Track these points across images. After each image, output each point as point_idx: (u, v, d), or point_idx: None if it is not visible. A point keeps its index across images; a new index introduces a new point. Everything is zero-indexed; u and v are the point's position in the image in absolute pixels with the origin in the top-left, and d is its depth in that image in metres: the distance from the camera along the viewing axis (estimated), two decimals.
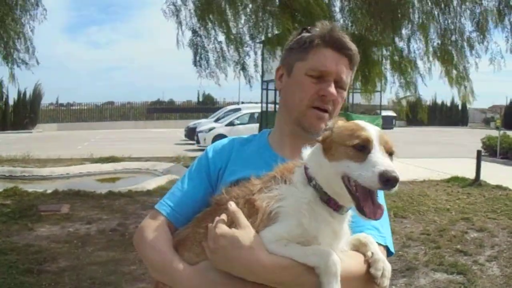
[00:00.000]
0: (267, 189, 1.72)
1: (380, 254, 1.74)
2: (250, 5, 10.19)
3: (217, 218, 1.70)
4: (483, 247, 8.53)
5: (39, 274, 6.93)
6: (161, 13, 10.66)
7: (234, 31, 10.70)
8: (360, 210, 1.54)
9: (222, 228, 1.66)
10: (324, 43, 2.03)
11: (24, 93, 50.45)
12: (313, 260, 1.58)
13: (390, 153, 1.59)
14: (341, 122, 1.69)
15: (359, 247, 1.77)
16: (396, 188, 1.47)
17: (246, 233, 1.64)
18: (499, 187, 14.24)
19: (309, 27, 2.12)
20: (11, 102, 49.00)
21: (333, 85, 2.02)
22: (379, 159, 1.51)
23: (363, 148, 1.55)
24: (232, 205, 1.70)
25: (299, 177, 1.71)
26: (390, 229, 2.06)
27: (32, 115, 51.51)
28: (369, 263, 1.72)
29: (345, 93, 2.09)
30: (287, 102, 2.14)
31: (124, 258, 7.59)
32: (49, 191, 12.76)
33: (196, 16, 10.57)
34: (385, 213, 1.97)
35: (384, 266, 1.71)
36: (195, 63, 10.93)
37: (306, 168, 1.71)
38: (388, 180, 1.44)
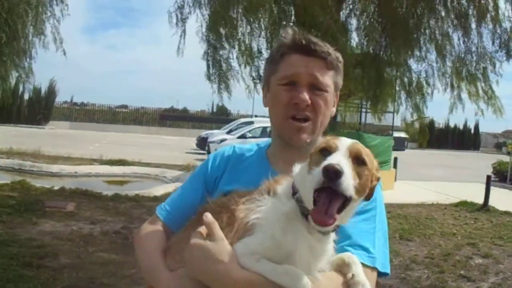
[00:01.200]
0: (250, 201, 1.69)
1: (362, 276, 1.67)
2: (266, 19, 10.20)
3: (198, 228, 1.69)
4: (487, 274, 8.42)
5: (38, 268, 6.92)
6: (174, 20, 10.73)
7: (247, 44, 10.71)
8: (312, 213, 1.51)
9: (197, 239, 1.65)
10: (291, 50, 1.97)
11: (40, 89, 50.88)
12: (283, 279, 1.53)
13: (358, 160, 1.55)
14: (327, 137, 1.68)
15: (342, 267, 1.71)
16: (343, 184, 1.42)
17: (219, 245, 1.61)
18: (507, 213, 14.13)
19: (283, 32, 2.07)
20: (26, 97, 49.39)
21: (304, 91, 1.93)
22: (334, 157, 1.49)
23: (326, 153, 1.54)
24: (208, 217, 1.67)
25: (285, 190, 1.67)
26: (388, 250, 1.96)
27: (46, 112, 51.95)
28: (348, 286, 1.67)
29: (327, 95, 1.98)
30: (270, 117, 2.09)
31: (125, 261, 7.55)
32: (56, 188, 12.84)
33: (208, 28, 10.60)
34: (382, 232, 1.93)
35: None
36: (208, 77, 10.94)
37: (293, 183, 1.67)
38: (327, 170, 1.41)
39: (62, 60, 12.34)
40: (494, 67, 10.34)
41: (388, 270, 1.89)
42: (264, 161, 2.12)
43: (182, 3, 10.68)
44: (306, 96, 1.92)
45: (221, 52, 10.78)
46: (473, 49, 10.32)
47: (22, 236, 8.41)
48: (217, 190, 2.08)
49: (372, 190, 1.65)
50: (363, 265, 1.74)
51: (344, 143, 1.56)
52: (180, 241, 1.84)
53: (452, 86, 10.68)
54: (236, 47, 10.61)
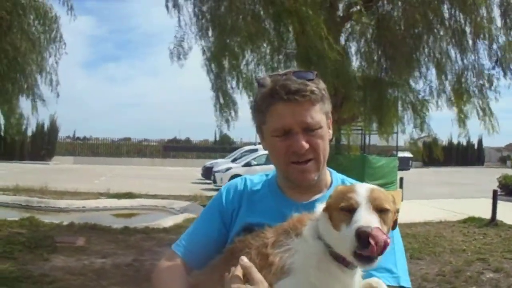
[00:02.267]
0: (279, 244, 1.70)
1: None
2: (268, 48, 10.35)
3: (232, 270, 1.68)
4: None
5: None
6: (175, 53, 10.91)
7: (248, 73, 10.85)
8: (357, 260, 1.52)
9: (237, 284, 1.63)
10: (274, 99, 1.95)
11: (42, 125, 51.22)
12: None
13: (381, 210, 1.56)
14: (340, 187, 1.70)
15: None
16: (377, 247, 1.43)
17: None
18: None
19: (260, 80, 2.05)
20: (29, 133, 49.67)
21: (300, 137, 1.93)
22: (358, 216, 1.50)
23: (349, 210, 1.54)
24: (244, 260, 1.67)
25: (310, 231, 1.69)
26: (406, 265, 2.02)
27: (49, 147, 52.19)
28: None
29: (321, 130, 1.99)
30: (273, 162, 2.11)
31: None
32: (65, 223, 12.86)
33: (212, 59, 10.76)
34: (400, 250, 2.00)
35: None
36: (217, 108, 11.06)
37: (317, 225, 1.69)
38: (359, 235, 1.44)
39: (62, 95, 12.54)
40: (491, 84, 10.45)
41: (410, 285, 1.95)
42: (277, 190, 2.14)
43: (182, 37, 10.85)
44: (302, 143, 1.93)
45: (226, 82, 10.92)
46: (470, 67, 10.44)
47: (34, 272, 8.45)
48: (237, 223, 2.09)
49: (395, 223, 1.69)
50: (389, 286, 1.78)
51: (363, 195, 1.57)
52: (210, 281, 1.83)
53: (451, 104, 10.79)
54: (238, 76, 10.74)
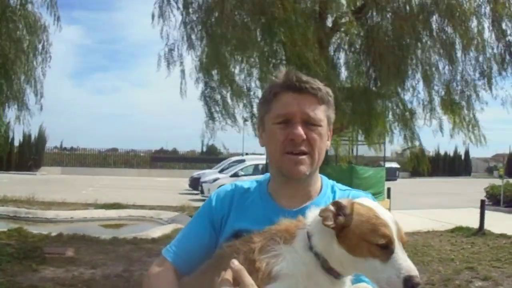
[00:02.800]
0: (267, 249, 1.69)
1: None
2: (256, 58, 10.38)
3: (222, 274, 1.67)
4: None
5: None
6: (163, 63, 10.93)
7: (238, 83, 10.87)
8: None
9: (228, 287, 1.63)
10: (283, 89, 2.04)
11: (29, 135, 50.97)
12: None
13: (403, 243, 1.58)
14: (358, 208, 1.64)
15: None
16: None
17: None
18: (503, 235, 14.24)
19: (276, 72, 2.15)
20: (16, 143, 49.40)
21: (299, 127, 1.99)
22: (403, 261, 1.51)
23: (387, 248, 1.53)
24: (235, 263, 1.65)
25: (301, 242, 1.68)
26: None
27: (37, 158, 51.92)
28: None
29: (321, 129, 2.04)
30: (268, 155, 2.14)
31: None
32: (53, 234, 12.80)
33: (203, 69, 10.79)
34: None
35: None
36: (210, 116, 11.06)
37: (309, 235, 1.68)
38: (412, 285, 1.46)
39: (50, 105, 12.61)
40: (478, 95, 10.55)
41: None
42: (266, 196, 2.15)
43: (173, 46, 10.88)
44: (301, 131, 1.98)
45: (216, 92, 10.94)
46: (458, 78, 10.54)
47: (23, 283, 8.40)
48: (226, 228, 2.11)
49: None
50: None
51: (394, 229, 1.57)
52: (200, 286, 1.86)
53: (440, 114, 10.89)
54: (228, 86, 10.77)
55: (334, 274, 1.63)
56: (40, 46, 12.09)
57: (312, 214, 1.72)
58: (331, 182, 2.25)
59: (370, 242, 1.53)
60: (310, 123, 2.02)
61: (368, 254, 1.54)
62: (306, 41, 9.10)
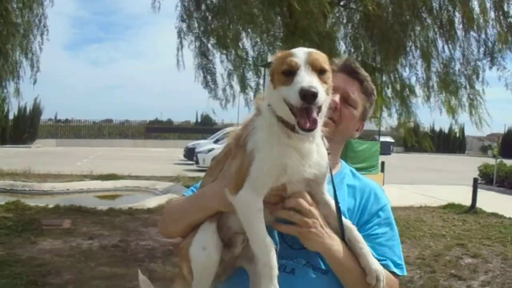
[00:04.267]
0: (250, 125, 1.84)
1: (377, 265, 1.89)
2: (257, 28, 10.40)
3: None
4: (477, 273, 8.69)
5: (43, 286, 7.10)
6: (160, 33, 10.94)
7: (238, 53, 10.89)
8: (297, 123, 1.65)
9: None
10: (339, 69, 2.22)
11: (24, 108, 50.75)
12: (259, 246, 1.73)
13: (320, 70, 1.69)
14: (278, 54, 1.79)
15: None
16: (318, 102, 1.61)
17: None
18: (494, 214, 14.40)
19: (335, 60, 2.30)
20: (11, 117, 49.22)
21: (338, 96, 2.13)
22: (301, 78, 1.61)
23: (290, 73, 1.65)
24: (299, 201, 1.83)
25: (265, 105, 1.82)
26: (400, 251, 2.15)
27: (32, 130, 51.80)
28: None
29: (355, 112, 2.22)
30: None
31: (127, 273, 7.73)
32: (50, 206, 12.92)
33: (200, 40, 10.79)
34: (393, 233, 2.16)
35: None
36: (206, 84, 11.07)
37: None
38: (304, 94, 1.56)
39: (44, 77, 12.61)
40: (478, 75, 10.57)
41: (399, 271, 2.09)
42: None
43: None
44: (337, 99, 2.13)
45: (213, 62, 10.96)
46: (458, 56, 10.57)
47: (23, 255, 8.54)
48: None
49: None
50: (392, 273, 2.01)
51: (302, 58, 1.68)
52: (215, 171, 2.02)
53: (438, 93, 10.93)
54: (227, 56, 10.80)
55: (289, 127, 1.73)
56: (36, 20, 12.07)
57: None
58: (349, 167, 2.38)
59: (279, 73, 1.69)
60: (347, 102, 2.20)
61: (279, 83, 1.69)
62: (312, 14, 9.09)
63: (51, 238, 9.84)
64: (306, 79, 1.61)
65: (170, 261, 8.52)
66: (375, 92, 2.31)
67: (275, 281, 1.71)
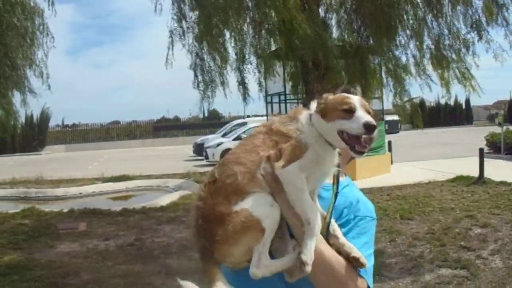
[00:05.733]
0: (286, 124, 2.10)
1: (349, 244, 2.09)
2: (249, 25, 10.50)
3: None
4: (487, 242, 8.80)
5: (63, 287, 7.34)
6: (159, 32, 10.99)
7: (234, 49, 10.96)
8: (353, 149, 1.96)
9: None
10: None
11: (31, 116, 51.10)
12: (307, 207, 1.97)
13: (368, 112, 1.99)
14: (331, 96, 2.08)
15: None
16: (375, 133, 1.94)
17: None
18: (503, 183, 14.44)
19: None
20: (19, 125, 49.50)
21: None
22: (362, 114, 1.95)
23: (350, 111, 1.97)
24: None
25: (305, 118, 2.09)
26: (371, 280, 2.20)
27: (41, 137, 52.21)
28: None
29: None
30: None
31: (144, 270, 7.96)
32: (65, 210, 13.18)
33: (195, 39, 10.88)
34: (366, 243, 2.24)
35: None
36: (196, 85, 11.16)
37: (310, 115, 2.09)
38: (369, 126, 1.89)
39: (43, 88, 12.72)
40: (468, 48, 10.63)
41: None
42: None
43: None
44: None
45: (207, 60, 11.04)
46: (446, 32, 10.63)
47: (42, 259, 8.80)
48: None
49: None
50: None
51: (358, 101, 2.00)
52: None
53: (433, 69, 10.99)
54: (223, 53, 10.87)
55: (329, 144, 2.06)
56: (40, 29, 12.24)
57: (314, 105, 2.13)
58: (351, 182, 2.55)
59: (338, 110, 2.00)
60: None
61: (337, 117, 1.99)
62: (294, 4, 9.19)
63: (68, 241, 10.08)
64: (367, 116, 1.95)
65: (185, 255, 8.72)
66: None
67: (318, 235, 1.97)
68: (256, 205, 1.96)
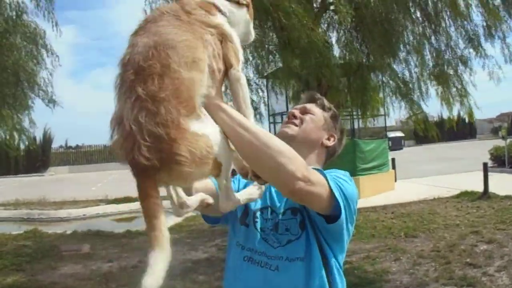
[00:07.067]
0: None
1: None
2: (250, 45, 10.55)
3: None
4: (493, 258, 8.70)
5: None
6: None
7: None
8: None
9: None
10: (304, 101, 2.63)
11: (34, 137, 51.08)
12: None
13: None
14: None
15: None
16: None
17: None
18: (508, 197, 14.34)
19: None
20: (22, 146, 49.52)
21: (297, 110, 2.52)
22: None
23: None
24: None
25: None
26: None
27: (44, 158, 52.21)
28: None
29: (313, 116, 2.47)
30: None
31: None
32: (68, 232, 13.15)
33: None
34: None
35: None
36: None
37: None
38: None
39: (50, 106, 12.79)
40: (466, 64, 10.65)
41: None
42: None
43: None
44: (295, 110, 2.51)
45: None
46: (443, 48, 10.66)
47: (44, 281, 8.75)
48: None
49: None
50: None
51: None
52: None
53: (433, 85, 11.02)
54: None
55: None
56: (44, 49, 12.32)
57: None
58: None
59: None
60: (305, 112, 2.50)
61: None
62: (302, 25, 9.22)
63: (71, 263, 10.03)
64: None
65: (189, 277, 8.67)
66: (333, 108, 2.60)
67: None
68: (215, 135, 1.70)
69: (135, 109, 1.54)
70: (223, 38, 1.82)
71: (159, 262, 1.56)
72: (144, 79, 1.56)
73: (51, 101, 12.77)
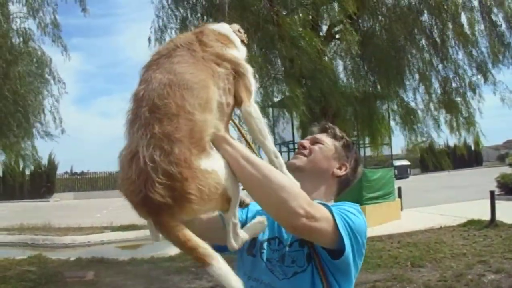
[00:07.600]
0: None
1: None
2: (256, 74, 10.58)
3: None
4: None
5: None
6: None
7: None
8: None
9: None
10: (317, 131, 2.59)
11: (39, 163, 51.09)
12: None
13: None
14: None
15: None
16: None
17: None
18: None
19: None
20: (27, 172, 49.74)
21: (307, 140, 2.47)
22: None
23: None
24: None
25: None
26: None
27: (49, 184, 52.21)
28: None
29: (323, 146, 2.42)
30: None
31: None
32: (72, 259, 13.07)
33: None
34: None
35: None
36: None
37: None
38: None
39: (57, 132, 12.90)
40: (474, 91, 10.64)
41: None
42: None
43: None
44: (304, 141, 2.46)
45: None
46: (451, 75, 10.67)
47: None
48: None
49: None
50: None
51: None
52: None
53: (440, 113, 11.01)
54: None
55: None
56: (49, 77, 12.43)
57: None
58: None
59: None
60: (315, 141, 2.46)
61: None
62: (308, 54, 9.26)
63: None
64: None
65: None
66: (345, 137, 2.54)
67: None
68: (223, 170, 1.75)
69: (150, 146, 1.60)
70: (237, 73, 1.86)
71: (222, 268, 1.69)
72: (159, 118, 1.63)
73: (57, 127, 12.84)
